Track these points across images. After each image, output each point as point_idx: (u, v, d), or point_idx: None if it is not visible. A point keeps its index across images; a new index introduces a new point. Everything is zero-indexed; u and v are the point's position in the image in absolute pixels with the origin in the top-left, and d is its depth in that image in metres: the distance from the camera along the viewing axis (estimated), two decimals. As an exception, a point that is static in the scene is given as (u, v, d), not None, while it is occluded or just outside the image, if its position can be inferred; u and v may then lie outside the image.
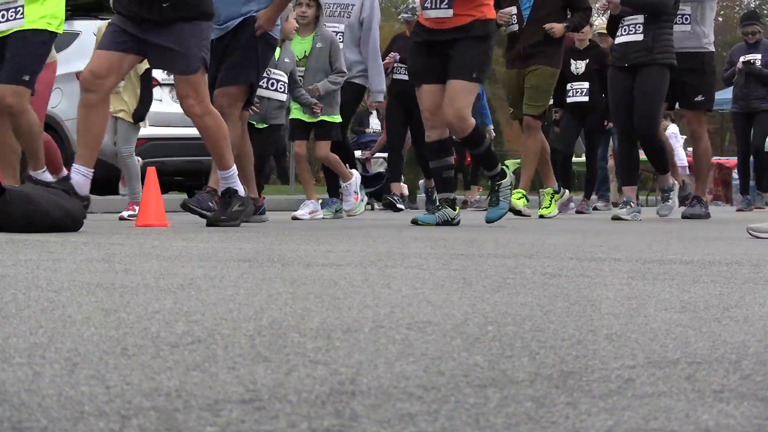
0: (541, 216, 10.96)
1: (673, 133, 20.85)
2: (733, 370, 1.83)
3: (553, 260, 4.38)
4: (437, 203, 8.43)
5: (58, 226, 6.26)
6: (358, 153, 18.01)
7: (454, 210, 8.20)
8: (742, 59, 14.81)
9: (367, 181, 17.73)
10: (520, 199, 10.55)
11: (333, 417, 1.43)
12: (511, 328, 2.30)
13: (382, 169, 17.64)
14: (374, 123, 19.27)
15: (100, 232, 6.45)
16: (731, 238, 6.55)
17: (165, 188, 9.59)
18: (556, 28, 10.40)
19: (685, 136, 21.04)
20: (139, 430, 1.35)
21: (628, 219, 9.75)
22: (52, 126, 11.73)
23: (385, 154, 17.72)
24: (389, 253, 4.69)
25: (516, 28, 10.46)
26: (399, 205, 14.17)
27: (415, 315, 2.50)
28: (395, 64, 13.05)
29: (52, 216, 6.25)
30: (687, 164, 20.90)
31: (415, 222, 8.16)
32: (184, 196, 14.02)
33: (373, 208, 17.70)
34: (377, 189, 17.64)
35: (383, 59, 11.76)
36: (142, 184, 8.10)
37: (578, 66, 13.49)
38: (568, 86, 13.45)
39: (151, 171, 7.78)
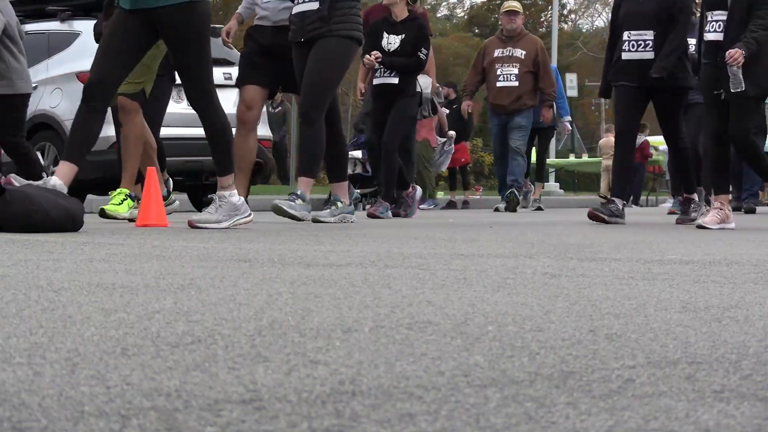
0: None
1: None
2: (733, 370, 1.83)
3: (553, 260, 4.38)
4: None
5: (58, 226, 6.25)
6: (358, 153, 18.02)
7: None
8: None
9: (367, 181, 17.76)
10: (121, 203, 8.65)
11: (333, 417, 1.43)
12: (511, 328, 2.30)
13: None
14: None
15: (100, 232, 6.45)
16: (731, 238, 6.55)
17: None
18: None
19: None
20: (139, 430, 1.35)
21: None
22: (52, 126, 11.72)
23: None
24: (389, 253, 4.69)
25: None
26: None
27: (415, 315, 2.50)
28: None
29: (52, 216, 6.25)
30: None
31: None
32: (184, 196, 14.02)
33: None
34: (377, 189, 17.66)
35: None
36: (143, 184, 8.09)
37: (391, 41, 10.92)
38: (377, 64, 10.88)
39: (151, 171, 7.77)
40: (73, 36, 12.20)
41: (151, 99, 8.65)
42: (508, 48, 13.78)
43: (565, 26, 63.08)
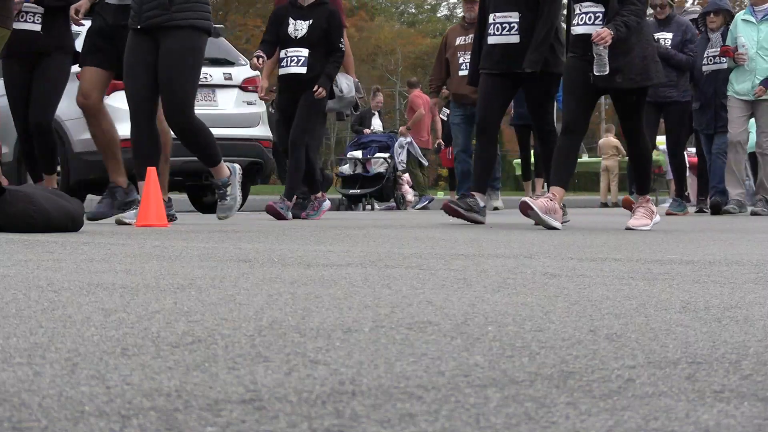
0: None
1: None
2: (733, 370, 1.83)
3: (553, 260, 4.38)
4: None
5: (58, 226, 6.26)
6: (358, 153, 18.01)
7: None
8: None
9: (367, 181, 17.76)
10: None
11: (333, 417, 1.43)
12: (511, 328, 2.30)
13: (382, 169, 17.65)
14: (376, 123, 19.24)
15: (100, 232, 6.45)
16: (731, 238, 6.55)
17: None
18: None
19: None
20: (139, 430, 1.35)
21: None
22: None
23: (386, 155, 17.74)
24: (389, 253, 4.69)
25: None
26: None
27: (415, 315, 2.50)
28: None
29: (52, 216, 6.25)
30: (688, 164, 20.84)
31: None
32: (184, 196, 14.02)
33: (373, 208, 17.72)
34: (377, 189, 17.66)
35: None
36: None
37: (299, 27, 9.83)
38: (283, 53, 9.80)
39: (151, 171, 7.77)
40: (73, 36, 12.17)
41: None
42: (471, 35, 12.82)
43: (565, 26, 63.04)
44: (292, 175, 9.60)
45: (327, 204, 10.07)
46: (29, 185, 6.80)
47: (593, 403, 1.54)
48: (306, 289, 3.06)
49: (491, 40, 8.38)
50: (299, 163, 9.54)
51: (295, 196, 9.68)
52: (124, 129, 11.06)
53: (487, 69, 8.40)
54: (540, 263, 4.21)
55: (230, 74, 12.56)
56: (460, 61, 13.16)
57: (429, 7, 71.95)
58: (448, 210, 8.31)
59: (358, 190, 17.74)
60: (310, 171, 9.67)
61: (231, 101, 12.48)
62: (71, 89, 11.67)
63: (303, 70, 9.55)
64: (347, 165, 18.03)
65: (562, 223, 7.59)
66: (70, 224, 6.36)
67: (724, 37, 12.02)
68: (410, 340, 2.11)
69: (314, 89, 9.45)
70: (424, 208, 16.89)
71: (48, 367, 1.75)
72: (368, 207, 17.90)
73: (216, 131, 11.49)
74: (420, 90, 19.59)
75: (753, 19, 11.76)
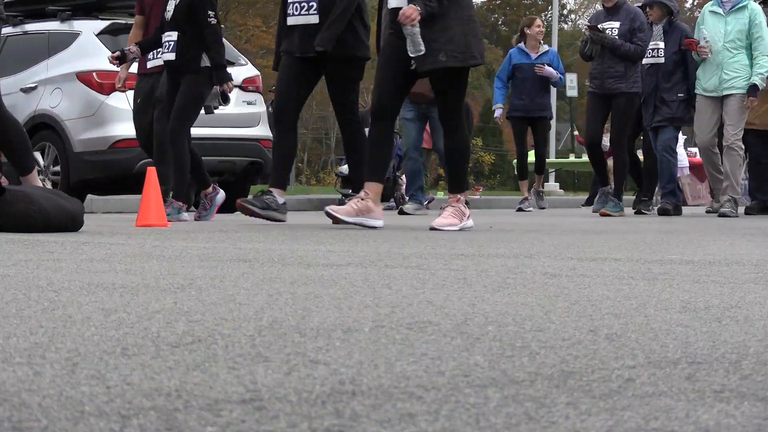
0: None
1: None
2: (733, 370, 1.83)
3: (553, 260, 4.38)
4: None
5: (58, 226, 6.26)
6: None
7: None
8: (586, 24, 11.74)
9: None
10: None
11: (333, 417, 1.43)
12: (512, 328, 2.30)
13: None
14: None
15: (100, 232, 6.45)
16: (731, 238, 6.55)
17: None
18: None
19: (685, 137, 20.98)
20: (139, 430, 1.35)
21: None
22: (52, 126, 11.73)
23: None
24: (389, 253, 4.69)
25: None
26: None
27: (415, 315, 2.50)
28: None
29: (52, 216, 6.25)
30: (688, 164, 20.83)
31: None
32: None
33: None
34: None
35: None
36: (143, 184, 8.09)
37: (169, 8, 8.77)
38: (164, 37, 8.78)
39: (151, 171, 7.77)
40: (73, 36, 12.19)
41: None
42: None
43: (565, 26, 63.08)
44: (177, 172, 8.60)
45: (220, 197, 9.02)
46: (29, 185, 6.80)
47: (593, 403, 1.54)
48: (306, 289, 3.06)
49: (290, 20, 7.85)
50: (183, 156, 8.54)
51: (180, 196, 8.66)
52: (124, 129, 11.12)
53: (289, 51, 7.87)
54: (540, 263, 4.21)
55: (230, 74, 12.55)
56: None
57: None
58: (242, 209, 7.71)
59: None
60: (195, 164, 8.79)
61: (231, 101, 12.49)
62: (71, 89, 11.68)
63: (172, 56, 8.61)
64: (347, 165, 18.00)
65: (463, 222, 6.98)
66: (70, 224, 6.36)
67: (666, 31, 11.57)
68: (410, 340, 2.11)
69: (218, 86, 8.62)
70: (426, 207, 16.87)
71: (48, 367, 1.75)
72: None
73: (216, 131, 11.56)
74: (419, 90, 19.54)
75: (721, 11, 11.27)
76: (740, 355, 1.99)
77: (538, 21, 14.41)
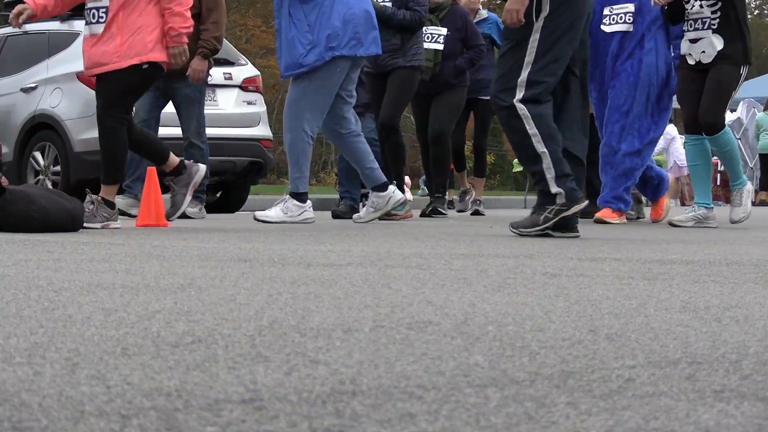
0: None
1: (667, 133, 20.71)
2: (733, 370, 1.83)
3: (553, 260, 4.38)
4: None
5: (58, 226, 6.25)
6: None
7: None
8: None
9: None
10: None
11: (333, 417, 1.43)
12: (512, 328, 2.30)
13: (381, 170, 17.61)
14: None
15: (100, 232, 6.45)
16: (732, 238, 6.55)
17: (165, 188, 9.49)
18: None
19: (683, 136, 20.93)
20: (139, 429, 1.35)
21: None
22: (52, 126, 11.73)
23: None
24: (389, 253, 4.69)
25: None
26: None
27: (415, 315, 2.50)
28: None
29: (52, 216, 6.25)
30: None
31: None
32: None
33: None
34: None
35: None
36: (143, 184, 8.08)
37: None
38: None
39: (151, 171, 7.77)
40: (73, 36, 12.18)
41: None
42: None
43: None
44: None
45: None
46: (29, 185, 6.79)
47: (593, 403, 1.54)
48: (306, 289, 3.06)
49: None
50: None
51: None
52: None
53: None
54: (540, 263, 4.21)
55: (230, 74, 12.54)
56: None
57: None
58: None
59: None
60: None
61: (231, 101, 12.47)
62: (71, 89, 11.68)
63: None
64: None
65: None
66: (70, 224, 6.36)
67: None
68: (410, 340, 2.11)
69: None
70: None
71: (48, 367, 1.75)
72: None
73: (216, 131, 11.55)
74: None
75: None
76: (740, 355, 1.99)
77: None
